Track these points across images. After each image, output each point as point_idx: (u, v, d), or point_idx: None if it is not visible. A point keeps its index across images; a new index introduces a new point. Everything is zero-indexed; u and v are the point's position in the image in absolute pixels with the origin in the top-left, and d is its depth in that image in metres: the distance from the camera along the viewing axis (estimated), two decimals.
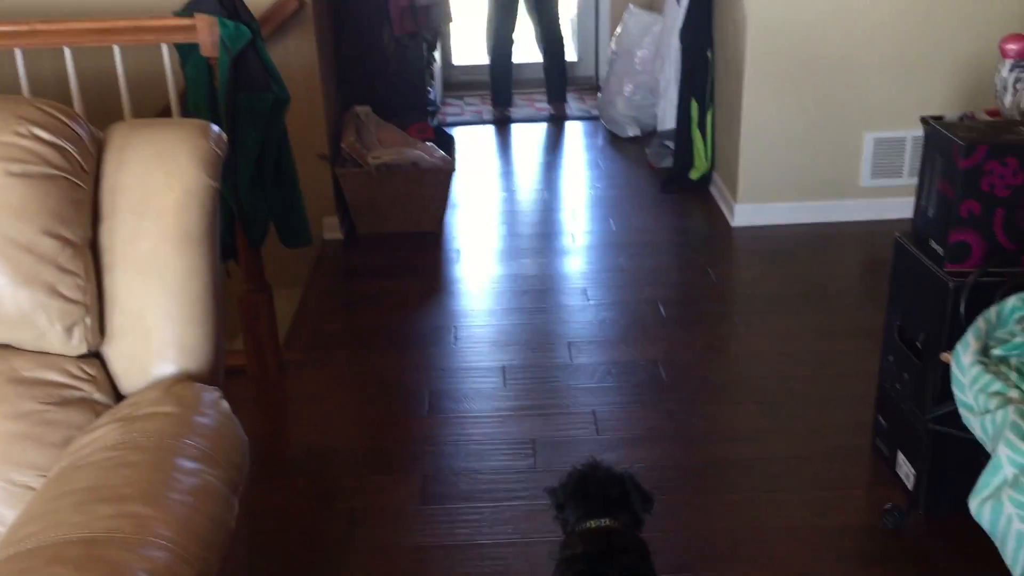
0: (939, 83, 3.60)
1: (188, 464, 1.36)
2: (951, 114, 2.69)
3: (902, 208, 3.19)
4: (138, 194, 1.62)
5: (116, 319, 1.62)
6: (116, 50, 2.64)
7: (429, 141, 4.11)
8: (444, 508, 2.27)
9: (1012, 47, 2.49)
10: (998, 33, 3.35)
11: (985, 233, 2.03)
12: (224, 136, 1.74)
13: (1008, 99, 2.50)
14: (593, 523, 1.60)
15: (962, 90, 3.58)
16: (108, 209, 1.62)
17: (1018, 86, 2.48)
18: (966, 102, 3.55)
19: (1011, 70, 2.49)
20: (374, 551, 2.13)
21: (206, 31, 2.59)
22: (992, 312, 1.89)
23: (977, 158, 1.99)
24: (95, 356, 1.62)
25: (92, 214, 1.62)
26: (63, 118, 1.60)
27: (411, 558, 2.11)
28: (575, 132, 5.28)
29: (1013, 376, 1.74)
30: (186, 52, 2.76)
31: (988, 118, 2.60)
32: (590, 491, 1.64)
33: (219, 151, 1.69)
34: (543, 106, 5.62)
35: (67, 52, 2.62)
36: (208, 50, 2.61)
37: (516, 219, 4.11)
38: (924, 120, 2.33)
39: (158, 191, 1.62)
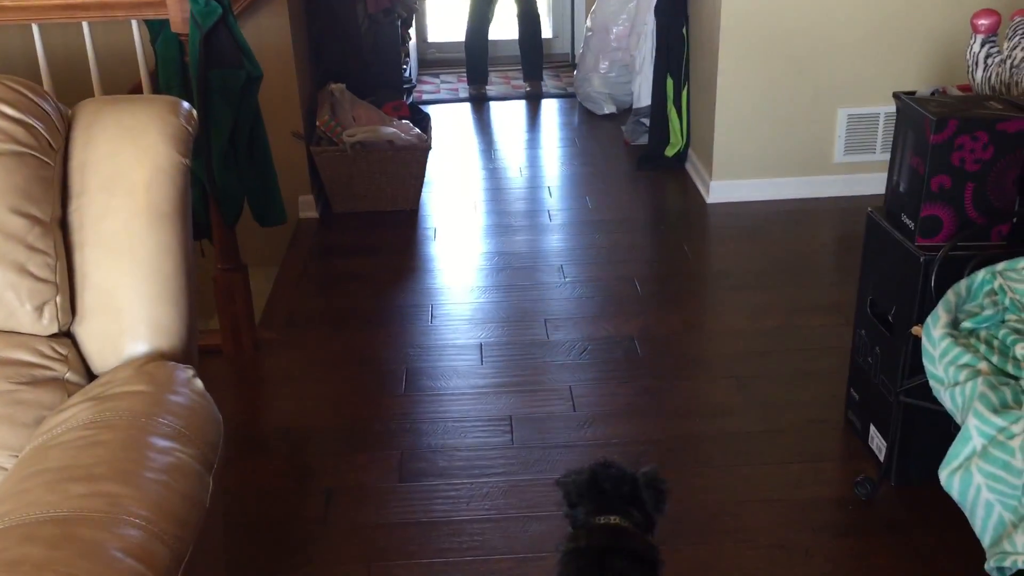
0: (912, 59, 3.61)
1: (161, 443, 1.35)
2: (923, 90, 2.71)
3: (875, 184, 3.22)
4: (107, 171, 1.60)
5: (87, 298, 1.61)
6: (85, 26, 2.60)
7: (404, 119, 4.09)
8: (421, 485, 2.27)
9: (983, 22, 2.50)
10: (970, 9, 3.37)
11: (956, 207, 2.05)
12: (194, 113, 1.72)
13: (979, 74, 2.51)
14: (603, 519, 1.59)
15: (935, 66, 3.60)
16: (77, 187, 1.61)
17: (988, 61, 2.50)
18: (939, 78, 3.57)
19: (982, 45, 2.51)
20: (352, 529, 2.14)
21: (176, 7, 2.56)
22: (962, 286, 1.91)
23: (948, 133, 2.00)
24: (66, 335, 1.61)
25: (61, 192, 1.60)
26: (30, 95, 1.58)
27: (389, 535, 2.12)
28: (551, 110, 5.27)
29: (982, 348, 1.76)
30: (156, 28, 2.73)
31: (959, 93, 2.62)
32: (604, 488, 1.62)
33: (189, 128, 1.68)
34: (519, 84, 5.60)
35: (35, 28, 2.58)
36: (178, 26, 2.58)
37: (492, 197, 4.10)
38: (896, 95, 2.35)
39: (128, 168, 1.60)
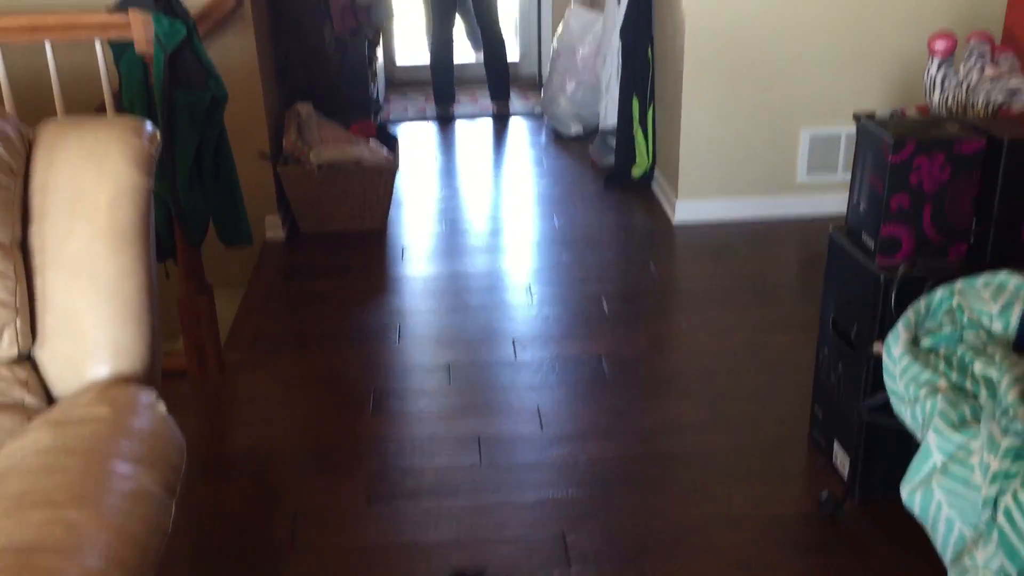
0: (873, 80, 3.67)
1: (123, 467, 1.34)
2: (883, 111, 2.76)
3: (838, 203, 3.26)
4: (69, 193, 1.59)
5: (48, 321, 1.59)
6: (48, 47, 2.59)
7: (372, 139, 4.09)
8: (389, 507, 2.26)
9: (939, 45, 2.56)
10: (928, 31, 3.45)
11: (914, 227, 2.09)
12: (157, 133, 1.72)
13: (936, 96, 2.57)
14: None
15: (895, 87, 3.67)
16: (38, 209, 1.59)
17: (945, 83, 2.55)
18: (899, 99, 3.64)
19: (939, 68, 2.56)
20: (319, 552, 2.12)
21: (140, 27, 2.55)
22: (921, 304, 1.94)
23: (906, 154, 2.04)
24: (27, 359, 1.59)
25: (22, 214, 1.59)
26: None
27: (356, 558, 2.10)
28: (519, 130, 5.29)
29: (941, 365, 1.78)
30: (120, 49, 2.71)
31: (918, 115, 2.67)
32: None
33: (152, 149, 1.67)
34: (486, 104, 5.62)
35: None
36: (142, 47, 2.57)
37: (460, 216, 4.11)
38: (856, 117, 2.39)
39: (90, 190, 1.59)
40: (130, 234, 1.57)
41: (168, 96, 2.59)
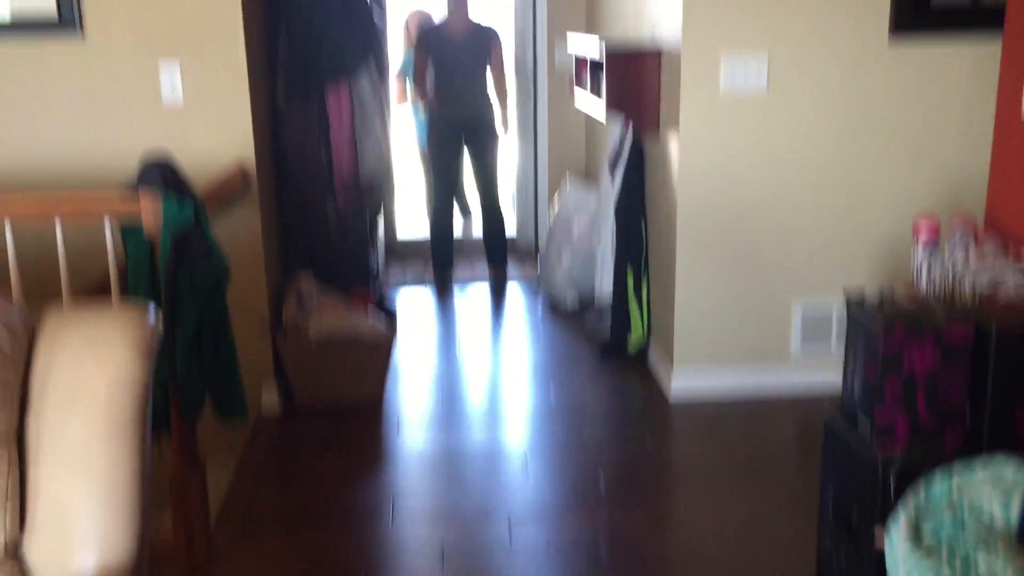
0: (862, 255, 3.76)
1: None
2: (872, 288, 2.81)
3: (832, 375, 3.28)
4: (68, 383, 1.60)
5: (38, 510, 1.57)
6: (58, 224, 2.65)
7: (371, 310, 4.15)
8: None
9: (924, 229, 2.63)
10: (913, 210, 3.56)
11: (909, 414, 2.10)
12: (159, 321, 1.75)
13: (924, 278, 2.62)
14: None
15: (884, 262, 3.75)
16: (37, 397, 1.60)
17: (932, 266, 2.61)
18: (888, 273, 3.72)
19: (924, 250, 2.63)
20: None
21: (150, 209, 2.63)
22: (921, 494, 1.92)
23: (896, 340, 2.07)
24: (12, 551, 1.56)
25: (19, 402, 1.60)
26: None
27: None
28: (515, 300, 5.37)
29: (945, 559, 1.75)
30: (129, 231, 2.78)
31: (907, 295, 2.72)
32: None
33: (155, 337, 1.69)
34: (484, 271, 5.73)
35: (7, 225, 2.63)
36: (150, 226, 2.65)
37: (456, 388, 4.11)
38: (847, 299, 2.43)
39: (89, 380, 1.60)
40: (126, 424, 1.58)
41: (172, 275, 2.65)
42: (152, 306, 1.78)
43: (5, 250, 2.68)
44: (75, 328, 1.66)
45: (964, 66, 3.61)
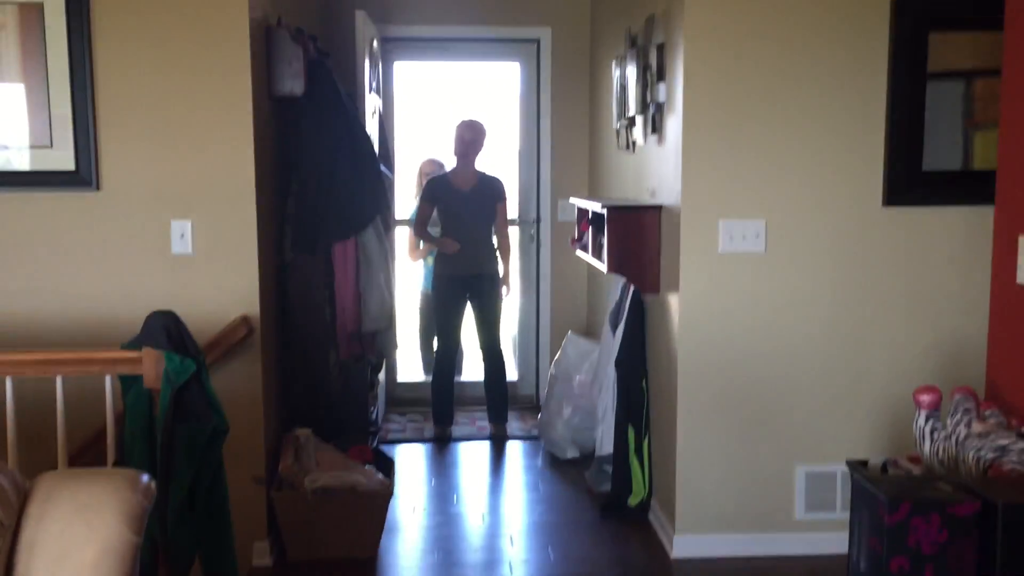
0: (865, 420, 3.74)
1: None
2: (876, 458, 2.78)
3: (838, 542, 3.20)
4: (55, 550, 1.57)
5: None
6: (59, 382, 2.66)
7: (368, 464, 4.10)
8: None
9: (925, 398, 2.63)
10: (913, 379, 3.55)
11: None
12: (153, 485, 1.73)
13: (927, 447, 2.60)
14: None
15: (887, 429, 3.72)
16: (23, 566, 1.57)
17: (934, 435, 2.59)
18: (891, 439, 3.68)
19: (926, 420, 2.62)
20: None
21: (151, 364, 2.64)
22: None
23: (901, 515, 2.03)
24: None
25: (5, 569, 1.56)
26: None
27: None
28: (515, 452, 5.31)
29: None
30: (129, 381, 2.79)
31: (910, 465, 2.69)
32: None
33: (146, 503, 1.67)
34: (484, 425, 5.69)
35: (8, 384, 2.63)
36: (151, 382, 2.66)
37: (453, 545, 4.01)
38: (851, 468, 2.41)
39: (76, 547, 1.58)
40: None
41: (170, 429, 2.63)
42: (145, 476, 1.76)
43: (4, 404, 2.68)
44: (67, 493, 1.64)
45: (957, 230, 3.68)
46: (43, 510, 1.61)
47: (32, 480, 1.68)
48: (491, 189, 5.45)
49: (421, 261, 6.14)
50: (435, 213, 5.47)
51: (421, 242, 5.83)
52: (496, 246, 5.52)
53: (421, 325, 6.25)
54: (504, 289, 5.56)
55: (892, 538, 2.03)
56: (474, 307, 5.52)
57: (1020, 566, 2.04)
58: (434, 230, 5.53)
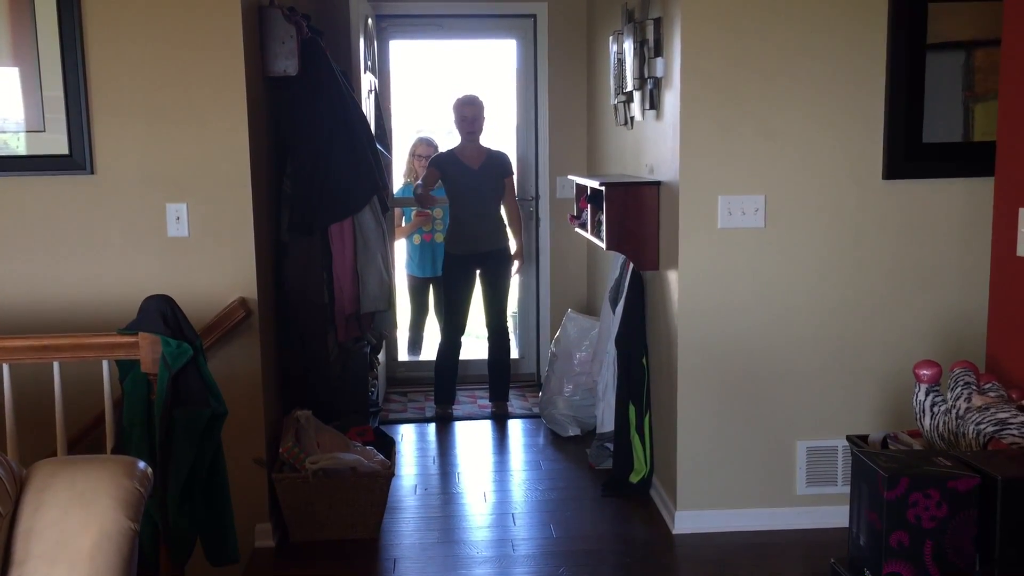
0: (865, 394, 3.73)
1: None
2: (876, 433, 2.77)
3: (839, 516, 3.21)
4: (53, 538, 1.57)
5: None
6: (56, 368, 2.65)
7: (369, 444, 4.10)
8: None
9: (925, 372, 2.61)
10: (913, 353, 3.54)
11: (916, 565, 2.04)
12: (149, 471, 1.72)
13: (927, 422, 2.59)
14: None
15: (888, 402, 3.72)
16: (20, 554, 1.57)
17: (935, 410, 2.58)
18: (892, 413, 3.68)
19: (927, 394, 2.61)
20: None
21: (148, 349, 2.63)
22: None
23: (900, 490, 2.03)
24: None
25: (3, 559, 1.56)
26: None
27: None
28: (516, 431, 5.31)
29: None
30: (127, 367, 2.78)
31: (911, 439, 2.68)
32: None
33: (143, 490, 1.67)
34: (485, 404, 5.69)
35: (5, 369, 2.63)
36: (148, 367, 2.65)
37: (455, 524, 4.02)
38: (851, 443, 2.40)
39: (74, 535, 1.57)
40: None
41: (168, 414, 2.63)
42: (142, 463, 1.75)
43: (1, 391, 2.67)
44: (63, 481, 1.64)
45: (958, 202, 3.66)
46: (40, 498, 1.61)
47: (28, 468, 1.68)
48: (500, 165, 5.43)
49: (405, 241, 6.13)
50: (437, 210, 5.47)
51: (404, 220, 5.86)
52: (507, 221, 5.50)
53: (412, 308, 6.29)
54: (516, 263, 5.55)
55: (891, 513, 2.03)
56: (483, 285, 5.50)
57: (1020, 540, 2.04)
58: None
